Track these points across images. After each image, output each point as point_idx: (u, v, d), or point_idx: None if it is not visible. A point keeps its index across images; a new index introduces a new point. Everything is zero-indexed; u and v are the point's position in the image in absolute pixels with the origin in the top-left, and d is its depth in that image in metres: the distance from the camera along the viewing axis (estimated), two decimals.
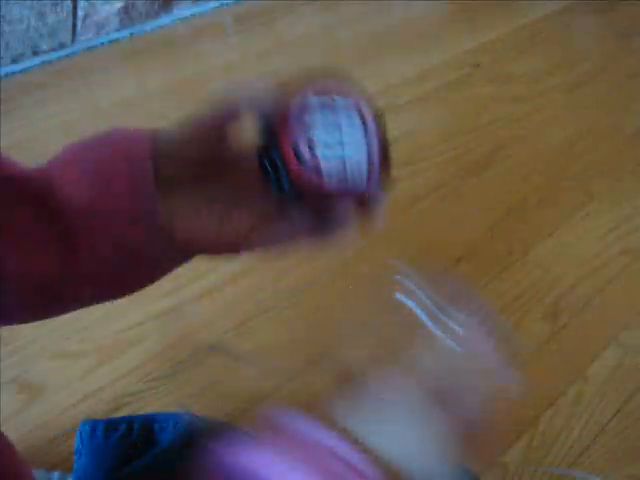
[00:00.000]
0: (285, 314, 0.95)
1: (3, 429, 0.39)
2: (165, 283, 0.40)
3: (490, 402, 0.38)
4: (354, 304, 0.92)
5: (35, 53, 1.46)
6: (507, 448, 0.81)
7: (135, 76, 1.48)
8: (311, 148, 0.34)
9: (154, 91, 1.41)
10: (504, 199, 1.17)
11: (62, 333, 0.91)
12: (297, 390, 0.84)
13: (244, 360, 0.87)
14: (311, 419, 0.34)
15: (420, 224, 1.11)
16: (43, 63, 1.49)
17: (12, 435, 0.40)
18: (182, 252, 0.38)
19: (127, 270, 0.36)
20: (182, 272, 0.41)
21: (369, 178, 0.35)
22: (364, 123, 0.35)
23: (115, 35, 1.58)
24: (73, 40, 1.51)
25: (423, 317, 0.39)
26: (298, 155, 0.34)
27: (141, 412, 0.82)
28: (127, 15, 1.56)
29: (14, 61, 1.44)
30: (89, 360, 0.89)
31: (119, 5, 1.52)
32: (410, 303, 0.39)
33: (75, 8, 1.45)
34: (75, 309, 0.38)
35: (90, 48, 1.55)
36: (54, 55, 1.50)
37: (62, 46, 1.50)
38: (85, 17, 1.48)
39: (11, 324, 0.38)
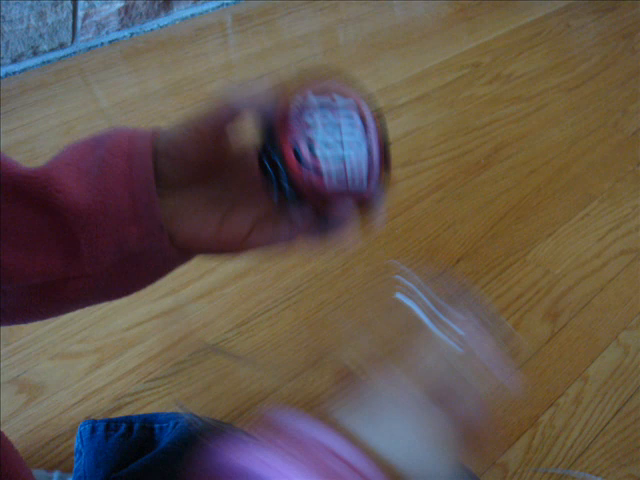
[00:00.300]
0: (285, 314, 0.95)
1: (3, 429, 0.39)
2: (165, 283, 0.40)
3: (490, 402, 0.38)
4: (354, 304, 0.92)
5: (35, 53, 1.46)
6: (507, 448, 0.81)
7: (135, 76, 1.48)
8: (311, 148, 0.34)
9: (154, 91, 1.41)
10: (504, 199, 1.17)
11: (62, 333, 0.91)
12: (297, 390, 0.84)
13: (244, 360, 0.87)
14: (311, 419, 0.34)
15: (420, 224, 1.11)
16: (43, 63, 1.49)
17: (12, 435, 0.40)
18: (182, 252, 0.38)
19: (127, 270, 0.36)
20: (182, 272, 0.41)
21: (369, 178, 0.35)
22: (364, 123, 0.35)
23: (115, 35, 1.58)
24: (73, 40, 1.51)
25: (423, 317, 0.39)
26: (298, 155, 0.34)
27: (141, 412, 0.82)
28: (127, 15, 1.56)
29: (14, 61, 1.44)
30: (89, 360, 0.89)
31: (119, 5, 1.52)
32: (410, 303, 0.39)
33: (75, 8, 1.45)
34: (75, 309, 0.38)
35: (90, 48, 1.55)
36: (54, 55, 1.50)
37: (62, 46, 1.50)
38: (85, 17, 1.48)
39: (11, 324, 0.38)
